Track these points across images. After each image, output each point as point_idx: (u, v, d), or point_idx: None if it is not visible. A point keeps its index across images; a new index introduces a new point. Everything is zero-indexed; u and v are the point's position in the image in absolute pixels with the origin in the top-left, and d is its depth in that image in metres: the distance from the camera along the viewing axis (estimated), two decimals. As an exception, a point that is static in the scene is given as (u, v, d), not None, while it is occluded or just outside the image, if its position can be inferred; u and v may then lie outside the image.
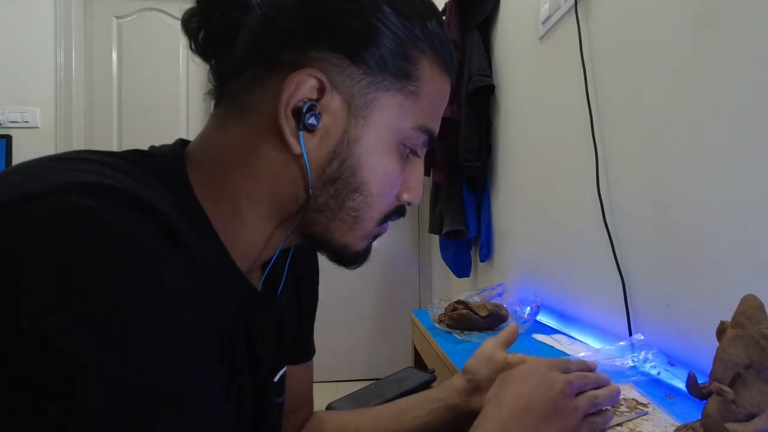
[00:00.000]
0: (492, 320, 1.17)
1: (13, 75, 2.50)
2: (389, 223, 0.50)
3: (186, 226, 0.36)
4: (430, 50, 0.46)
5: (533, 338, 1.12)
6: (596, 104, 1.07)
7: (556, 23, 1.26)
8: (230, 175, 0.44)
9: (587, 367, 0.60)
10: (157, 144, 0.47)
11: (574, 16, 1.13)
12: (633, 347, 0.86)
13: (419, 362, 1.42)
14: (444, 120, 1.71)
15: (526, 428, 0.49)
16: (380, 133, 0.45)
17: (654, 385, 0.77)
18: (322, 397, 1.09)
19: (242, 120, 0.44)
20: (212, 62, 0.46)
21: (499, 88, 1.71)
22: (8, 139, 2.43)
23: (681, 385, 0.75)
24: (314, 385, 0.69)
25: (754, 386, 0.43)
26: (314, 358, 0.67)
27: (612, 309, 1.00)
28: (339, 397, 1.00)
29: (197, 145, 0.47)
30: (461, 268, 2.01)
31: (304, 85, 0.42)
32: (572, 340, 1.11)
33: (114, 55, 2.68)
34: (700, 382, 0.47)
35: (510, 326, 0.69)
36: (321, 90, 0.43)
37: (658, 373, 0.81)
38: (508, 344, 0.68)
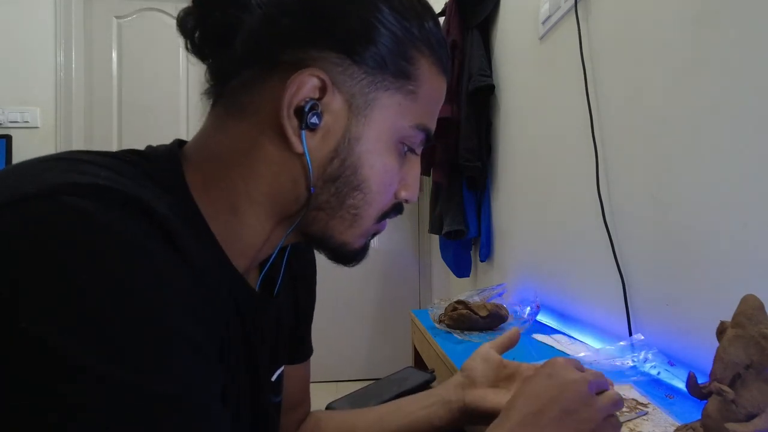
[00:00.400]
0: (492, 320, 1.17)
1: (13, 75, 2.50)
2: (387, 220, 0.50)
3: (183, 226, 0.36)
4: (428, 50, 0.46)
5: (533, 338, 1.12)
6: (596, 104, 1.07)
7: (556, 23, 1.26)
8: (229, 174, 0.44)
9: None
10: (156, 144, 0.47)
11: (574, 16, 1.13)
12: (633, 347, 0.86)
13: (419, 362, 1.42)
14: (444, 120, 1.74)
15: (547, 428, 0.46)
16: (380, 132, 0.45)
17: (654, 385, 0.77)
18: (321, 397, 1.09)
19: (242, 119, 0.44)
20: (209, 62, 0.46)
21: (499, 88, 1.71)
22: (8, 139, 2.43)
23: (681, 385, 0.75)
24: (314, 385, 0.69)
25: (754, 386, 0.43)
26: (314, 357, 0.67)
27: (612, 309, 1.00)
28: (339, 397, 1.00)
29: (194, 145, 0.47)
30: (461, 268, 2.01)
31: (306, 85, 0.42)
32: (572, 340, 1.11)
33: (114, 55, 2.68)
34: (700, 382, 0.47)
35: (511, 330, 0.68)
36: (323, 89, 0.43)
37: (658, 373, 0.81)
38: (504, 348, 0.67)
